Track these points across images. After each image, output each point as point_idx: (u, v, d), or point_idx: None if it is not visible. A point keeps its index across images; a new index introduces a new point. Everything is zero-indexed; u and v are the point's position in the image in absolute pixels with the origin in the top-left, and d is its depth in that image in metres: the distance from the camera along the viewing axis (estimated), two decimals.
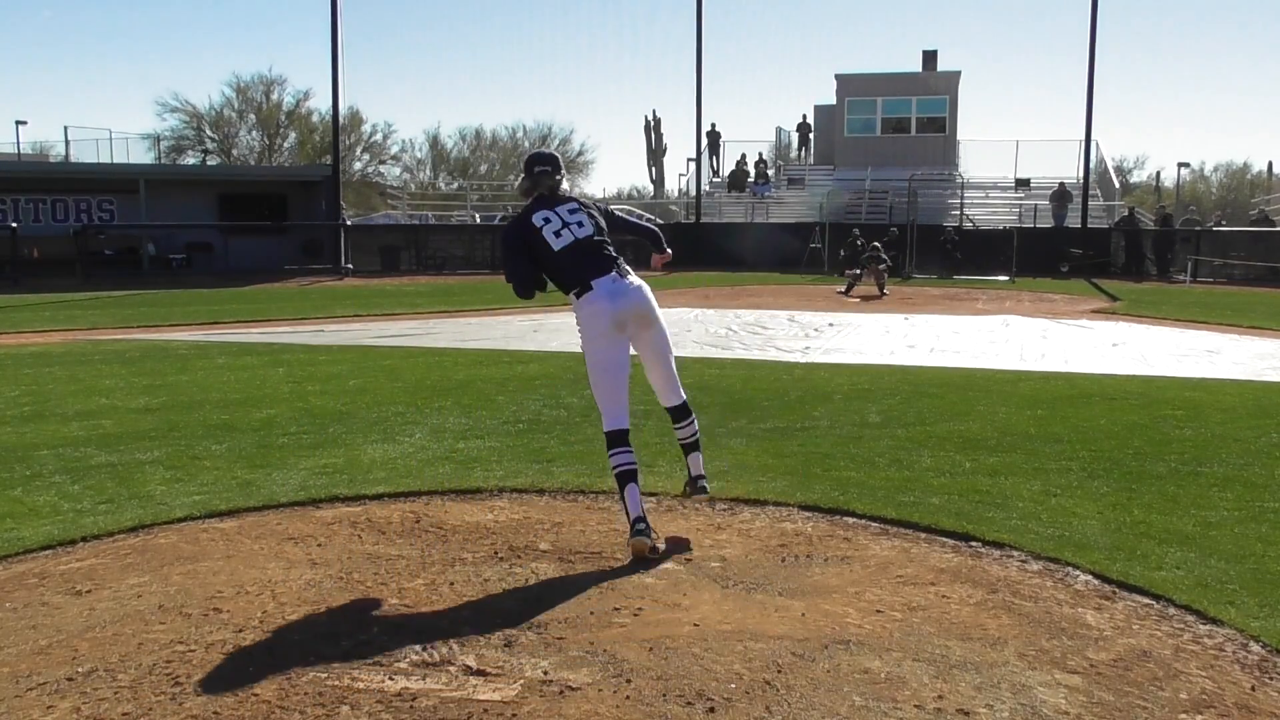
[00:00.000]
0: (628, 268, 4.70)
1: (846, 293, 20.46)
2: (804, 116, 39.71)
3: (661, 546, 4.49)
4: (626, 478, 4.52)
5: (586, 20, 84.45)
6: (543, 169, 4.79)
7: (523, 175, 4.83)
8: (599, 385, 4.63)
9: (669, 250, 5.25)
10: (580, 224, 4.68)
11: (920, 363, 10.91)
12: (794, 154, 39.92)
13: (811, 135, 39.10)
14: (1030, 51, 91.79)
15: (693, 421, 4.92)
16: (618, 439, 4.57)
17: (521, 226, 4.71)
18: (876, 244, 22.01)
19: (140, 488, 5.71)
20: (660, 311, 4.78)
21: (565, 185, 4.88)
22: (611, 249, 4.69)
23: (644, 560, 4.35)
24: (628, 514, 4.49)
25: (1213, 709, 3.13)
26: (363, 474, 5.96)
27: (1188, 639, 3.66)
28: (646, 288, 4.70)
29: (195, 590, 4.07)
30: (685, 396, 4.91)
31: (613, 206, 5.05)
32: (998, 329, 14.43)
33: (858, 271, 21.01)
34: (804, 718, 3.03)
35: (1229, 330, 14.07)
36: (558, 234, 4.63)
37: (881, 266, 21.08)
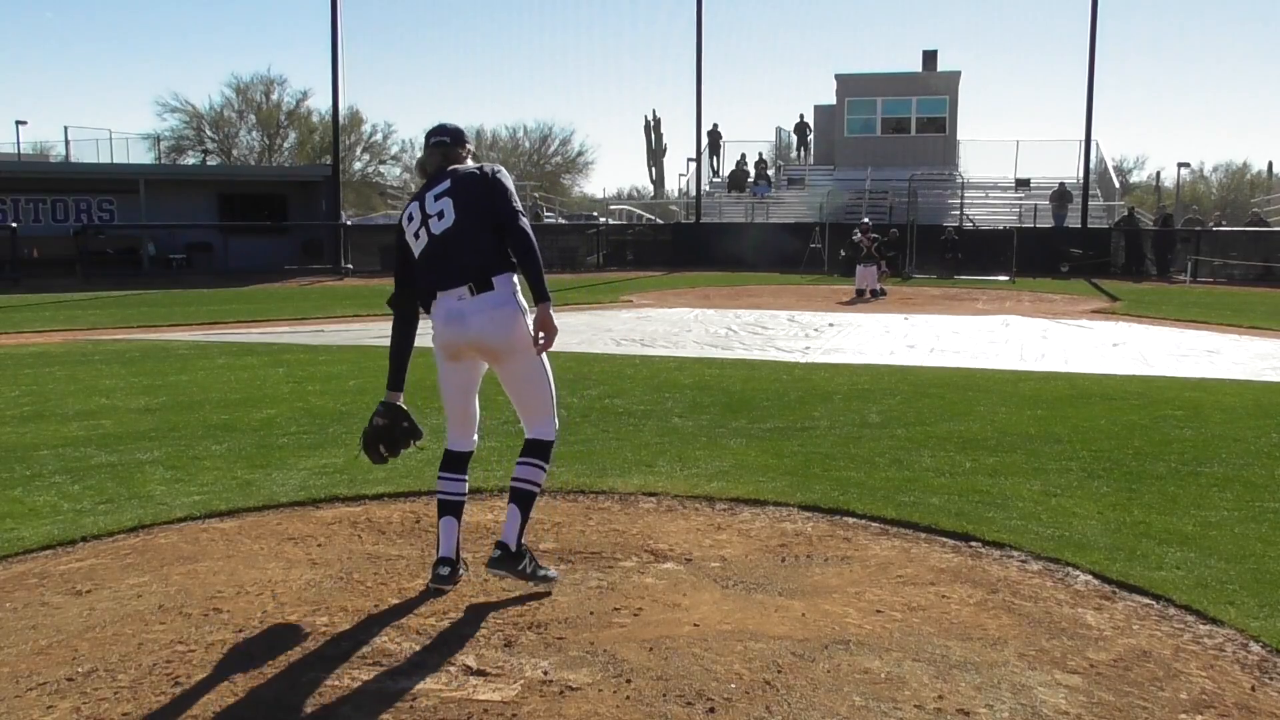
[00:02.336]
0: (502, 280, 3.81)
1: (862, 295, 20.05)
2: (801, 116, 39.79)
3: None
4: (441, 508, 4.07)
5: (586, 20, 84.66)
6: (438, 140, 4.01)
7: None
8: (442, 400, 4.14)
9: (549, 324, 3.77)
10: (440, 215, 3.82)
11: (920, 363, 10.90)
12: (793, 154, 39.96)
13: (810, 135, 39.15)
14: (1030, 51, 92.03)
15: (539, 468, 3.98)
16: (445, 461, 4.13)
17: (400, 221, 4.02)
18: (874, 234, 21.78)
19: (140, 488, 5.71)
20: (519, 338, 3.83)
21: (470, 162, 4.06)
22: (478, 250, 3.79)
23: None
24: (437, 547, 4.06)
25: (1213, 709, 3.13)
26: (363, 474, 5.96)
27: (1188, 639, 3.66)
28: (506, 311, 3.80)
29: (195, 590, 4.07)
30: (549, 437, 4.02)
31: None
32: (998, 329, 14.43)
33: (859, 270, 20.71)
34: (804, 718, 3.03)
35: (1229, 330, 14.07)
36: (417, 235, 3.89)
37: (872, 253, 20.70)
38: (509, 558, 3.90)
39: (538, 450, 4.01)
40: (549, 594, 3.99)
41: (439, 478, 4.11)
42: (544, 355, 3.89)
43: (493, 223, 3.82)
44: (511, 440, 6.85)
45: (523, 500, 3.96)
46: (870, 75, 37.25)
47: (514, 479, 4.00)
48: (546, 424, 4.03)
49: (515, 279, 3.88)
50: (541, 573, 4.01)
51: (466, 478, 4.15)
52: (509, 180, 3.92)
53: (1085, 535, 4.79)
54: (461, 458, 4.15)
